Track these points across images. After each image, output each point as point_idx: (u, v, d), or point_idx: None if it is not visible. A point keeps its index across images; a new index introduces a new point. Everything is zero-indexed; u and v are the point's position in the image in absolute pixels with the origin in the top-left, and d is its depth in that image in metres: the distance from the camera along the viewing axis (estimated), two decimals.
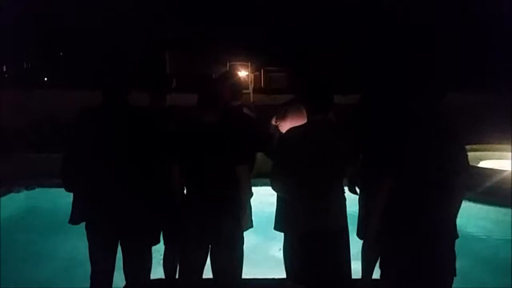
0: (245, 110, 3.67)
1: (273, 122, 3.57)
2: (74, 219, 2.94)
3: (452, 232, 2.67)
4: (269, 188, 2.95)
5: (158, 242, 3.33)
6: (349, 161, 2.92)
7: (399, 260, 2.68)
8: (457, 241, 2.67)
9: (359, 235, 3.46)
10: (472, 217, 5.10)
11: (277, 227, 3.12)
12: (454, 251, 2.67)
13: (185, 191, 2.95)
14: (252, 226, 3.22)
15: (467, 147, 2.70)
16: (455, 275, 2.67)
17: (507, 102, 10.20)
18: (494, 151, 7.37)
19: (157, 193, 2.92)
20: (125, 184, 2.81)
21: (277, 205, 3.15)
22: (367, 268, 3.52)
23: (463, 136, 2.68)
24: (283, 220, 3.05)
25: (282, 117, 3.51)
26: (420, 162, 2.58)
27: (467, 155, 2.64)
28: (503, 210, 5.34)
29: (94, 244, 2.92)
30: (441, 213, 2.62)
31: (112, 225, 2.86)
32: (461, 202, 2.68)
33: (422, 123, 2.63)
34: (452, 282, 2.68)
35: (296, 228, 2.87)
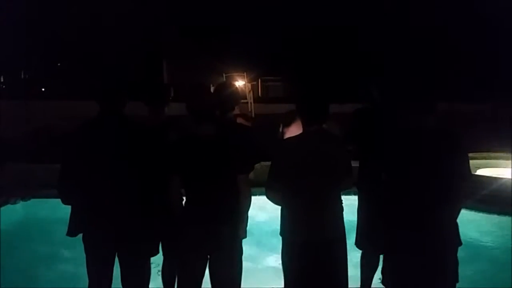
0: (239, 119, 3.66)
1: (280, 130, 3.56)
2: (72, 232, 2.92)
3: (454, 239, 2.68)
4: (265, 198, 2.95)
5: (157, 253, 3.31)
6: (345, 171, 2.91)
7: (401, 267, 2.69)
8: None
9: (358, 244, 3.46)
10: (468, 224, 5.10)
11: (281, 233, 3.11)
12: (456, 257, 2.69)
13: (183, 202, 2.94)
14: (245, 237, 3.22)
15: None
16: (457, 281, 2.68)
17: (504, 110, 10.27)
18: (491, 159, 7.38)
19: (155, 204, 2.91)
20: (123, 195, 2.80)
21: (281, 212, 3.15)
22: (366, 278, 3.51)
23: (466, 145, 2.70)
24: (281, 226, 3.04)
25: (288, 124, 3.51)
26: (420, 171, 2.59)
27: (469, 164, 2.66)
28: (500, 218, 5.34)
29: (91, 256, 2.90)
30: (443, 221, 2.63)
31: (110, 237, 2.84)
32: (460, 210, 2.70)
33: (422, 132, 2.64)
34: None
35: (293, 238, 2.87)
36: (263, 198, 2.95)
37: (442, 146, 2.63)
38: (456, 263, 2.69)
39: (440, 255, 2.64)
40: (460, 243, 2.69)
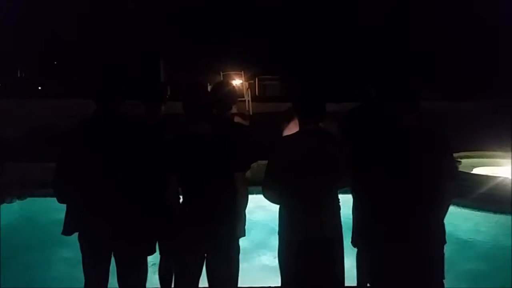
0: (237, 118, 3.66)
1: (281, 128, 3.56)
2: (67, 230, 2.91)
3: (441, 237, 2.71)
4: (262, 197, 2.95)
5: (154, 251, 3.31)
6: (342, 170, 2.92)
7: (388, 265, 2.71)
8: (449, 246, 2.71)
9: (353, 242, 3.46)
10: (465, 223, 5.13)
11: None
12: (443, 255, 2.72)
13: (180, 200, 2.93)
14: (244, 235, 3.22)
15: (461, 154, 2.75)
16: (443, 278, 2.71)
17: (500, 109, 10.30)
18: (487, 158, 7.39)
19: (152, 203, 2.91)
20: (119, 194, 2.79)
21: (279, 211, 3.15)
22: (362, 276, 3.52)
23: (452, 144, 2.73)
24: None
25: (287, 122, 3.51)
26: (408, 170, 2.61)
27: (455, 163, 2.68)
28: (497, 216, 5.36)
29: (87, 255, 2.89)
30: (430, 219, 2.65)
31: (106, 236, 2.83)
32: (448, 208, 2.72)
33: (410, 132, 2.66)
34: (443, 286, 2.73)
35: (289, 236, 2.87)
36: (260, 196, 2.95)
37: (429, 146, 2.66)
38: (442, 261, 2.72)
39: (427, 253, 2.67)
40: (445, 242, 2.73)
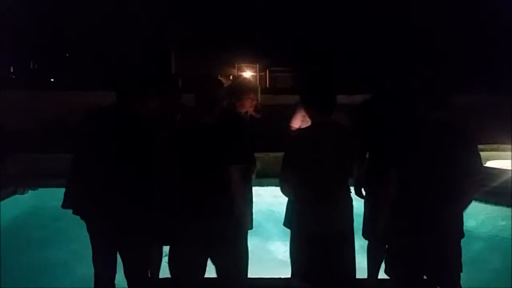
0: (250, 111, 3.63)
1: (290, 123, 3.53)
2: (66, 204, 2.94)
3: (459, 230, 2.69)
4: (272, 189, 2.92)
5: (160, 243, 3.30)
6: (355, 163, 2.89)
7: (406, 257, 2.70)
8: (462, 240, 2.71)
9: (365, 235, 3.44)
10: (478, 216, 5.08)
11: (286, 224, 3.10)
12: (460, 248, 2.71)
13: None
14: (251, 228, 3.19)
15: None
16: (461, 271, 2.70)
17: None
18: (500, 151, 7.30)
19: (156, 196, 2.88)
20: (127, 187, 2.77)
21: (287, 203, 3.14)
22: (373, 268, 3.51)
23: (476, 138, 2.67)
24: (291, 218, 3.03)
25: (294, 117, 3.47)
26: (428, 163, 2.57)
27: (480, 158, 2.63)
28: (508, 210, 5.30)
29: (96, 246, 2.91)
30: (450, 213, 2.62)
31: (114, 228, 2.83)
32: (469, 203, 2.68)
33: (432, 125, 2.61)
34: (459, 278, 2.72)
35: (302, 229, 2.86)
36: (271, 188, 2.93)
37: (452, 140, 2.60)
38: (459, 254, 2.69)
39: (444, 246, 2.65)
40: (463, 235, 2.70)
